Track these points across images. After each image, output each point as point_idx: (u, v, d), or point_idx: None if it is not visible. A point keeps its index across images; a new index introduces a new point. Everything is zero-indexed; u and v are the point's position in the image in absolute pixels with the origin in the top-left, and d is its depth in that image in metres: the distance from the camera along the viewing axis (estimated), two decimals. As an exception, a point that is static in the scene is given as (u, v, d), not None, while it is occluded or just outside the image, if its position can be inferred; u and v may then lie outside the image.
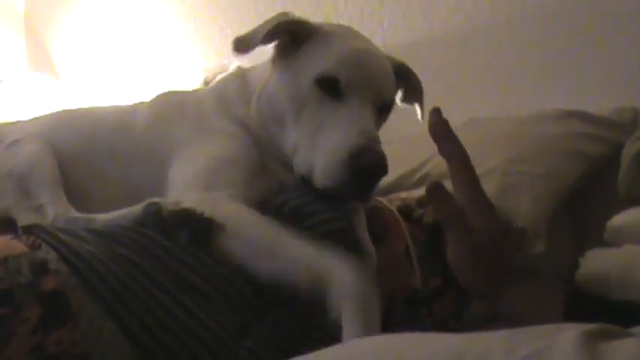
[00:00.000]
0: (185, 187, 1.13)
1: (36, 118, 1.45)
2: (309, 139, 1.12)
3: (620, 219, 1.34)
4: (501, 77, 2.08)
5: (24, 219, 1.15)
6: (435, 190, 0.89)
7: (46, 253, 0.90)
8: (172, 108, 1.32)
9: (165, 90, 1.41)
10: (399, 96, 1.32)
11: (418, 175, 1.73)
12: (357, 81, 1.13)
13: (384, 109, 1.19)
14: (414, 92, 1.31)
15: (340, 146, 1.06)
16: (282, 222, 1.04)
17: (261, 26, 1.17)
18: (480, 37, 2.14)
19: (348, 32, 1.22)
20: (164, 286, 0.91)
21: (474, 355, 0.48)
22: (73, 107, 1.54)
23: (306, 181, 1.12)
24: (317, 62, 1.15)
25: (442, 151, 0.93)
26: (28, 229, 1.00)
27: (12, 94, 3.24)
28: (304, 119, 1.14)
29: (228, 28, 2.84)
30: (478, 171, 1.57)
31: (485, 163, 1.61)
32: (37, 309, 0.83)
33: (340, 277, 0.90)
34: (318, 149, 1.10)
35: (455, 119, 2.05)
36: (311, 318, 0.97)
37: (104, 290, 0.88)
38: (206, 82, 2.26)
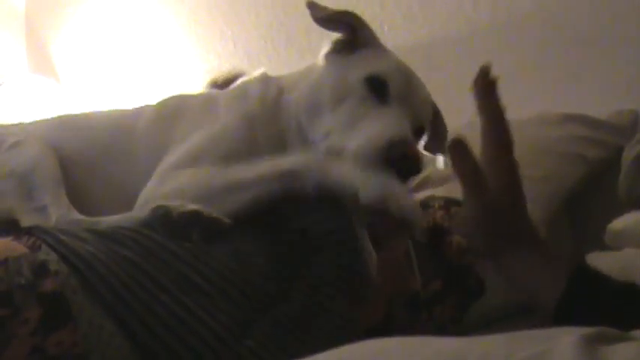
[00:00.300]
0: (156, 175, 1.15)
1: (38, 121, 1.45)
2: (345, 126, 1.12)
3: (621, 222, 1.34)
4: (501, 80, 2.07)
5: (26, 220, 1.15)
6: (457, 146, 0.90)
7: (47, 254, 0.90)
8: (176, 109, 1.31)
9: (172, 93, 1.41)
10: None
11: (419, 178, 1.73)
12: (404, 92, 1.15)
13: (417, 133, 1.19)
14: (438, 140, 1.31)
15: (380, 135, 1.07)
16: (279, 219, 1.08)
17: (330, 12, 1.20)
18: (480, 40, 2.14)
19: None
20: (165, 286, 0.91)
21: (475, 358, 0.48)
22: (74, 110, 1.54)
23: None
24: (370, 63, 1.18)
25: (481, 107, 0.93)
26: (30, 230, 1.00)
27: (12, 97, 3.23)
28: (344, 109, 1.14)
29: (228, 30, 2.84)
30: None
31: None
32: (37, 310, 0.83)
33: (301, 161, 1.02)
34: (354, 136, 1.10)
35: (455, 122, 2.06)
36: (312, 317, 0.97)
37: (104, 291, 0.88)
38: (213, 84, 2.24)
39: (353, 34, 1.21)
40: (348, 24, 1.21)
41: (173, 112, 1.30)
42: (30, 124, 1.44)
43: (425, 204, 1.46)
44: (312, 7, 1.19)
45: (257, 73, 1.34)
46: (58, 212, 1.15)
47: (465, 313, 1.38)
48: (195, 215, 1.01)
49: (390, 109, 1.13)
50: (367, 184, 1.01)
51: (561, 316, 0.85)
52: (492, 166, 0.90)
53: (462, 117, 1.98)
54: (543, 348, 0.47)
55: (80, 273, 0.89)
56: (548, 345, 0.47)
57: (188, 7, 3.00)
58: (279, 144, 1.22)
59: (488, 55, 2.11)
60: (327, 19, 1.19)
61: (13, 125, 1.48)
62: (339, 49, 1.22)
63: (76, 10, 3.43)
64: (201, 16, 2.96)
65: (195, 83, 2.87)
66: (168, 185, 1.11)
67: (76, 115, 1.49)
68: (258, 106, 1.25)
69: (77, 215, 1.16)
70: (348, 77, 1.17)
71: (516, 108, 1.97)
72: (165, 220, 1.01)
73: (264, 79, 1.32)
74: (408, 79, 1.19)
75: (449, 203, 1.48)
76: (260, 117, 1.24)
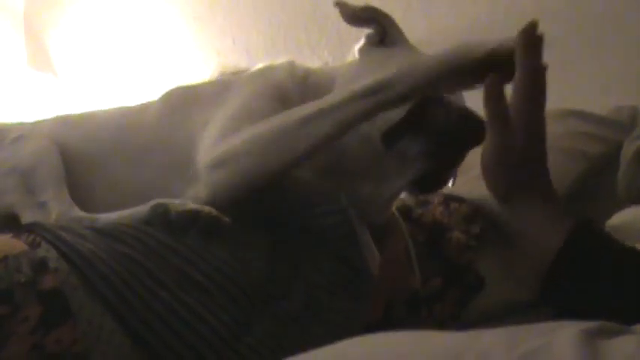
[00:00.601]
0: (206, 152, 1.11)
1: (41, 120, 1.43)
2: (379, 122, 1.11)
3: (620, 218, 1.34)
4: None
5: (27, 216, 1.14)
6: (493, 86, 0.91)
7: (46, 252, 0.90)
8: (185, 99, 1.28)
9: (173, 85, 1.37)
10: None
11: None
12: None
13: None
14: None
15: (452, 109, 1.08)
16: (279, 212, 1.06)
17: (362, 9, 1.23)
18: (479, 36, 2.14)
19: None
20: (165, 283, 0.91)
21: (475, 353, 0.48)
22: (72, 104, 1.53)
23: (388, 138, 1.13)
24: (409, 59, 1.16)
25: (522, 59, 0.93)
26: (30, 227, 1.00)
27: (11, 92, 3.23)
28: None
29: (227, 26, 2.83)
30: (477, 171, 1.58)
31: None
32: (36, 308, 0.83)
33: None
34: None
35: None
36: (312, 314, 0.97)
37: (104, 288, 0.88)
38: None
39: (383, 31, 1.23)
40: (376, 20, 1.23)
41: (183, 103, 1.27)
42: (33, 123, 1.43)
43: (424, 200, 1.46)
44: (342, 5, 1.21)
45: (283, 60, 1.34)
46: (59, 208, 1.15)
47: (465, 310, 1.38)
48: (193, 214, 1.00)
49: None
50: None
51: (557, 269, 0.87)
52: (521, 118, 0.91)
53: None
54: (543, 341, 0.47)
55: (80, 270, 0.89)
56: (547, 339, 0.47)
57: (187, 2, 3.00)
58: None
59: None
60: (360, 17, 1.21)
61: (15, 124, 1.47)
62: (373, 43, 1.24)
63: (74, 5, 3.42)
64: (200, 12, 2.95)
65: (193, 79, 2.87)
66: (242, 134, 1.06)
67: (80, 114, 1.47)
68: (288, 83, 1.25)
69: (78, 212, 1.15)
70: (384, 72, 1.16)
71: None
72: (164, 219, 1.01)
73: (291, 65, 1.31)
74: None
75: (448, 199, 1.48)
76: (289, 90, 1.23)
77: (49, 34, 3.55)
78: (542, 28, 2.02)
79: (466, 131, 1.06)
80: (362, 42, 1.27)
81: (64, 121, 1.39)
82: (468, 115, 1.08)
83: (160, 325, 0.88)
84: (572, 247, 0.86)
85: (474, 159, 1.65)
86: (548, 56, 2.02)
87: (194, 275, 0.94)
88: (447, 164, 1.11)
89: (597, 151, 1.67)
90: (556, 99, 1.90)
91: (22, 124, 1.44)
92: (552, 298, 0.90)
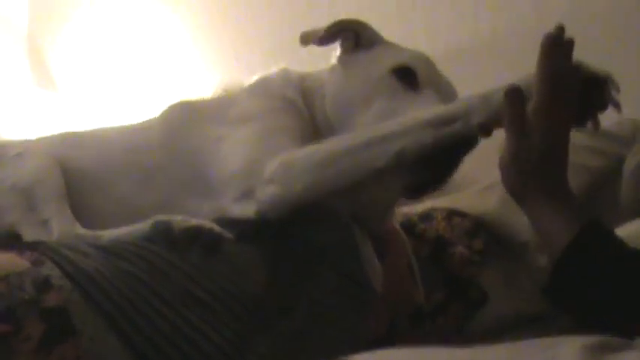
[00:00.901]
0: (232, 183, 1.10)
1: (43, 137, 1.42)
2: (385, 118, 1.10)
3: (623, 231, 1.33)
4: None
5: (29, 234, 1.14)
6: (514, 91, 0.95)
7: (50, 270, 0.90)
8: (188, 115, 1.27)
9: (173, 101, 1.37)
10: None
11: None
12: (432, 77, 1.16)
13: None
14: None
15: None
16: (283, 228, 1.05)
17: (327, 28, 1.21)
18: (482, 53, 2.15)
19: None
20: (167, 300, 0.91)
21: (478, 368, 0.48)
22: (74, 122, 1.52)
23: None
24: (390, 55, 1.18)
25: (547, 59, 0.98)
26: (33, 245, 1.00)
27: (15, 111, 3.24)
28: (377, 106, 1.14)
29: (229, 45, 2.84)
30: (480, 186, 1.59)
31: (487, 176, 1.61)
32: (39, 325, 0.83)
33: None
34: None
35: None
36: (315, 329, 0.97)
37: (107, 305, 0.88)
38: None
39: (357, 37, 1.22)
40: (349, 30, 1.22)
41: (186, 119, 1.26)
42: (35, 140, 1.42)
43: (427, 215, 1.46)
44: (309, 37, 1.21)
45: (277, 68, 1.34)
46: (61, 226, 1.14)
47: (468, 324, 1.38)
48: (196, 230, 1.00)
49: (424, 95, 1.13)
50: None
51: (564, 265, 0.87)
52: (544, 117, 0.92)
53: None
54: (546, 356, 0.47)
55: (83, 288, 0.89)
56: (551, 353, 0.47)
57: (189, 21, 3.01)
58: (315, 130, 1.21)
59: (489, 66, 2.12)
60: (328, 35, 1.20)
61: (17, 141, 1.46)
62: (351, 51, 1.23)
63: (77, 23, 3.43)
64: (202, 31, 2.96)
65: (195, 96, 2.87)
66: (299, 152, 1.06)
67: (82, 132, 1.46)
68: (289, 92, 1.26)
69: (80, 229, 1.14)
70: (372, 73, 1.17)
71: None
72: (166, 235, 1.01)
73: (285, 72, 1.32)
74: (432, 64, 1.20)
75: (451, 214, 1.48)
76: (294, 100, 1.24)
77: (52, 52, 3.56)
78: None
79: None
80: (338, 51, 1.26)
81: (67, 139, 1.38)
82: None
83: (162, 341, 0.88)
84: (579, 244, 0.86)
85: (476, 174, 1.66)
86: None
87: (196, 292, 0.94)
88: (442, 169, 1.09)
89: (598, 164, 1.67)
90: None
91: (24, 141, 1.44)
92: (557, 297, 0.90)
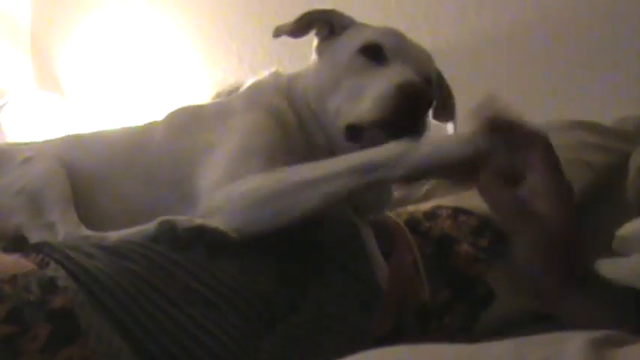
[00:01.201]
0: (204, 197, 1.13)
1: (50, 140, 1.46)
2: (354, 95, 1.14)
3: (630, 228, 1.33)
4: (506, 88, 2.08)
5: (35, 236, 1.16)
6: (487, 179, 0.80)
7: (55, 271, 0.91)
8: (189, 118, 1.31)
9: (178, 105, 1.41)
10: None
11: (425, 189, 1.73)
12: (400, 49, 1.18)
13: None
14: (446, 109, 1.33)
15: (389, 83, 1.09)
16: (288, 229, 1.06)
17: (297, 19, 1.25)
18: (485, 49, 2.15)
19: None
20: (173, 300, 0.91)
21: (484, 363, 0.48)
22: (79, 124, 1.55)
23: (352, 131, 1.14)
24: (359, 36, 1.21)
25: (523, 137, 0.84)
26: (38, 247, 1.00)
27: (19, 113, 3.25)
28: (346, 85, 1.17)
29: (233, 45, 2.84)
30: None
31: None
32: (46, 327, 0.83)
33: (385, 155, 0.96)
34: (365, 95, 1.12)
35: (461, 131, 2.05)
36: (321, 328, 0.97)
37: (113, 306, 0.88)
38: (218, 96, 2.25)
39: (330, 26, 1.25)
40: (320, 20, 1.25)
41: (187, 123, 1.30)
42: (42, 142, 1.45)
43: (433, 213, 1.46)
44: (281, 30, 1.24)
45: (267, 72, 1.37)
46: (66, 228, 1.16)
47: (474, 323, 1.38)
48: (200, 230, 1.01)
49: (391, 67, 1.15)
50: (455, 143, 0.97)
51: None
52: (541, 189, 0.79)
53: (465, 127, 1.99)
54: (552, 351, 0.47)
55: (88, 289, 0.89)
56: (556, 348, 0.47)
57: (193, 21, 3.02)
58: (303, 133, 1.24)
59: (492, 64, 2.12)
60: (300, 27, 1.24)
61: (25, 143, 1.49)
62: (325, 40, 1.26)
63: (81, 26, 3.44)
64: (206, 31, 2.97)
65: (200, 98, 2.88)
66: (242, 186, 1.07)
67: (89, 133, 1.50)
68: (276, 100, 1.28)
69: (85, 231, 1.16)
70: (342, 56, 1.20)
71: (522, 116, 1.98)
72: (170, 235, 1.02)
73: (275, 77, 1.34)
74: (401, 37, 1.23)
75: (457, 212, 1.48)
76: (281, 109, 1.26)
77: (56, 55, 3.57)
78: (547, 39, 2.03)
79: (409, 97, 1.06)
80: (315, 41, 1.29)
81: (73, 141, 1.41)
82: (402, 84, 1.08)
83: (168, 341, 0.88)
84: None
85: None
86: (552, 68, 2.02)
87: (202, 291, 0.94)
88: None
89: (604, 161, 1.67)
90: (561, 110, 1.91)
91: (31, 143, 1.46)
92: None
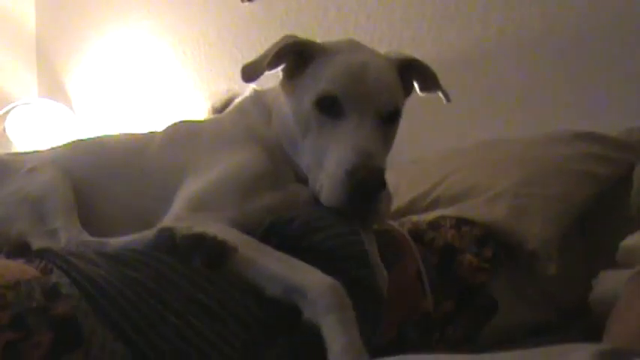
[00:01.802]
0: (173, 212, 1.15)
1: (54, 147, 1.48)
2: (316, 159, 1.15)
3: (634, 239, 1.33)
4: (511, 99, 2.08)
5: (38, 243, 1.16)
6: None
7: (58, 278, 0.91)
8: (185, 134, 1.34)
9: (178, 120, 1.43)
10: (417, 88, 1.31)
11: (430, 199, 1.73)
12: (354, 96, 1.15)
13: (391, 118, 1.19)
14: (430, 82, 1.31)
15: (338, 166, 1.09)
16: (291, 238, 1.08)
17: (267, 51, 1.20)
18: (489, 60, 2.15)
19: (350, 47, 1.23)
20: (175, 309, 0.91)
21: (488, 375, 0.48)
22: (84, 133, 1.57)
23: (317, 200, 1.15)
24: (316, 83, 1.17)
25: None
26: (41, 253, 1.00)
27: (24, 120, 3.28)
28: (310, 141, 1.17)
29: (238, 52, 2.85)
30: (489, 194, 1.59)
31: (495, 185, 1.61)
32: (48, 333, 0.83)
33: (310, 287, 0.95)
34: (324, 169, 1.13)
35: (465, 141, 2.04)
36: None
37: (115, 314, 0.88)
38: (214, 109, 2.27)
39: (297, 57, 1.21)
40: (289, 51, 1.20)
41: (183, 137, 1.33)
42: (46, 150, 1.47)
43: (436, 223, 1.46)
44: (246, 69, 1.20)
45: (247, 91, 1.37)
46: (69, 234, 1.16)
47: (478, 333, 1.37)
48: (199, 239, 1.01)
49: (346, 122, 1.14)
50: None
51: None
52: None
53: (471, 137, 1.99)
54: (558, 363, 0.47)
55: (91, 296, 0.89)
56: (563, 360, 0.47)
57: (198, 30, 3.02)
58: (286, 159, 1.24)
59: (497, 75, 2.12)
60: (269, 65, 1.18)
61: (30, 153, 1.51)
62: (292, 74, 1.22)
63: (86, 35, 3.46)
64: (211, 39, 2.97)
65: (205, 106, 2.89)
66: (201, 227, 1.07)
67: (88, 139, 1.52)
68: (261, 128, 1.28)
69: (87, 236, 1.17)
70: (303, 105, 1.18)
71: (526, 127, 1.98)
72: (169, 243, 1.02)
73: (256, 97, 1.34)
74: (355, 77, 1.16)
75: (460, 222, 1.48)
76: (267, 138, 1.26)
77: (61, 64, 3.59)
78: (550, 48, 2.03)
79: (358, 183, 1.08)
80: (281, 76, 1.24)
81: (75, 148, 1.44)
82: (351, 170, 1.08)
83: (170, 350, 0.88)
84: None
85: (485, 182, 1.66)
86: (557, 79, 2.02)
87: (205, 301, 0.94)
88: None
89: (608, 172, 1.67)
90: (566, 121, 1.91)
91: (34, 152, 1.48)
92: None
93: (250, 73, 1.19)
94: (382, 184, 1.09)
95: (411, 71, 1.28)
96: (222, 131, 1.31)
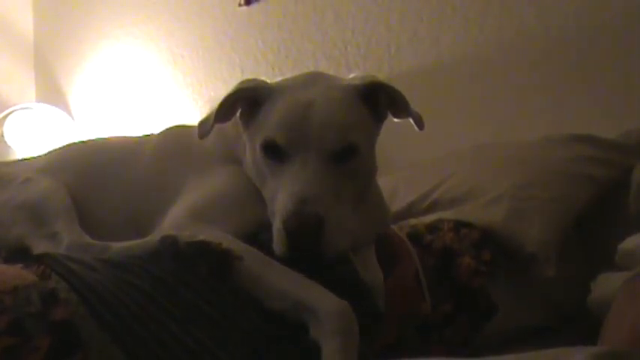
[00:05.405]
0: (174, 221, 1.14)
1: (48, 152, 1.49)
2: (271, 205, 1.12)
3: (632, 242, 1.33)
4: (508, 101, 2.08)
5: (38, 246, 1.16)
6: None
7: (56, 283, 0.91)
8: (178, 144, 1.33)
9: (174, 124, 1.44)
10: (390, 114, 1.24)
11: (428, 202, 1.73)
12: (295, 140, 1.11)
13: (344, 154, 1.13)
14: (400, 107, 1.22)
15: (278, 215, 1.07)
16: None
17: (219, 104, 1.17)
18: (486, 62, 2.15)
19: (303, 84, 1.19)
20: (174, 315, 0.91)
21: (486, 379, 0.48)
22: (81, 137, 1.57)
23: None
24: (262, 128, 1.15)
25: None
26: (40, 258, 1.00)
27: (21, 124, 3.29)
28: (265, 186, 1.15)
29: (235, 57, 2.85)
30: (487, 197, 1.59)
31: (494, 188, 1.61)
32: (46, 339, 0.82)
33: (322, 308, 0.96)
34: (273, 216, 1.10)
35: (463, 144, 2.05)
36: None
37: (113, 320, 0.88)
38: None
39: (252, 100, 1.19)
40: (240, 98, 1.19)
41: (176, 152, 1.32)
42: (40, 156, 1.48)
43: (434, 226, 1.46)
44: (201, 126, 1.18)
45: None
46: (70, 237, 1.17)
47: (476, 335, 1.37)
48: (202, 247, 1.01)
49: (289, 166, 1.10)
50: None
51: None
52: None
53: (470, 139, 1.99)
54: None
55: (90, 302, 0.89)
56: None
57: (196, 35, 3.03)
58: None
59: (495, 77, 2.12)
60: (225, 114, 1.18)
61: (23, 161, 1.52)
62: (248, 118, 1.20)
63: (84, 41, 3.46)
64: (208, 44, 2.98)
65: (203, 110, 2.89)
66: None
67: (83, 143, 1.52)
68: (241, 148, 1.25)
69: (88, 239, 1.17)
70: (255, 151, 1.15)
71: (524, 129, 1.98)
72: (173, 250, 1.02)
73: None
74: (295, 120, 1.12)
75: (458, 225, 1.48)
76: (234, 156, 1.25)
77: (58, 67, 3.59)
78: (549, 52, 2.04)
79: (294, 233, 1.05)
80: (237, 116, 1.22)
81: (70, 152, 1.45)
82: (285, 220, 1.06)
83: (167, 356, 0.87)
84: None
85: (485, 185, 1.66)
86: (555, 81, 2.02)
87: (203, 307, 0.94)
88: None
89: (606, 174, 1.67)
90: (564, 124, 1.91)
91: (29, 160, 1.49)
92: None
93: (202, 129, 1.18)
94: (314, 231, 1.04)
95: (380, 95, 1.21)
96: (204, 146, 1.28)
